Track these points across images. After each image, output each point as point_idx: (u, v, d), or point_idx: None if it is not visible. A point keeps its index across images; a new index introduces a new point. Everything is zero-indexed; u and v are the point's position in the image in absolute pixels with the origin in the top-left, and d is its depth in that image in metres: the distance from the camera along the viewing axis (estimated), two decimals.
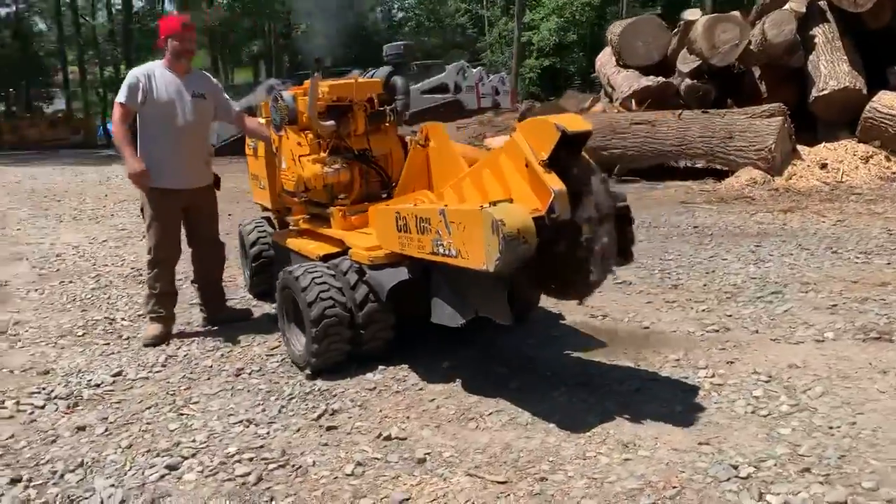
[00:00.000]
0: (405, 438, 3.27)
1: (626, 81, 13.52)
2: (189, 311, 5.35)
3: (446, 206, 3.52)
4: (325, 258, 4.24)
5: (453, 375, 3.93)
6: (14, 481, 3.06)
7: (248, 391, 3.91)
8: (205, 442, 3.34)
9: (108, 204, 11.72)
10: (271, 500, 2.84)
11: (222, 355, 4.49)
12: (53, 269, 7.17)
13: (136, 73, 4.63)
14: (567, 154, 3.19)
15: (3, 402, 3.90)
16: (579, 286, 3.28)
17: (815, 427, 3.16)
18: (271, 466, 3.08)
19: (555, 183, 3.12)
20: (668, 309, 4.90)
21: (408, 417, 3.48)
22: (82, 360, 4.51)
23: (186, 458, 3.19)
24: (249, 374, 4.16)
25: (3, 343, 4.93)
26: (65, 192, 13.49)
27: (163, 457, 3.21)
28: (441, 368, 4.04)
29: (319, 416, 3.53)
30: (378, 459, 3.10)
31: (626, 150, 11.05)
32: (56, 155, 25.07)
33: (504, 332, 4.18)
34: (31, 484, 3.05)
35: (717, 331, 4.43)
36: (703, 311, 4.82)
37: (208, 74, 5.02)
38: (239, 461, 3.14)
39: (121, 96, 4.57)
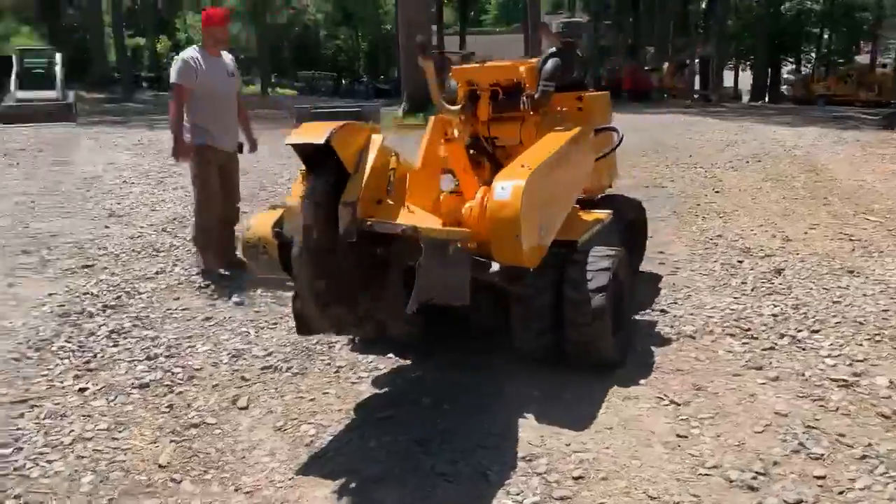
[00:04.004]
0: (244, 408, 3.61)
1: None
2: None
3: None
4: None
5: (396, 386, 3.84)
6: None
7: (270, 329, 4.57)
8: (147, 349, 4.30)
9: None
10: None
11: None
12: None
13: (184, 57, 5.35)
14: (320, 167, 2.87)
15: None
16: None
17: None
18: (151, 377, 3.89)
19: (291, 197, 2.89)
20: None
21: (281, 397, 3.71)
22: None
23: (110, 358, 4.19)
24: None
25: None
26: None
27: (111, 347, 4.33)
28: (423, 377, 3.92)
29: (265, 368, 4.02)
30: (183, 407, 3.59)
31: None
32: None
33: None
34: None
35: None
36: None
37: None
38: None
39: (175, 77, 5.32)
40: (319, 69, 41.93)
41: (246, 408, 3.59)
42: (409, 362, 4.09)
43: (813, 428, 3.26)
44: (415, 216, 3.06)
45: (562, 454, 3.11)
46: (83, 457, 3.13)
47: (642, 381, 3.76)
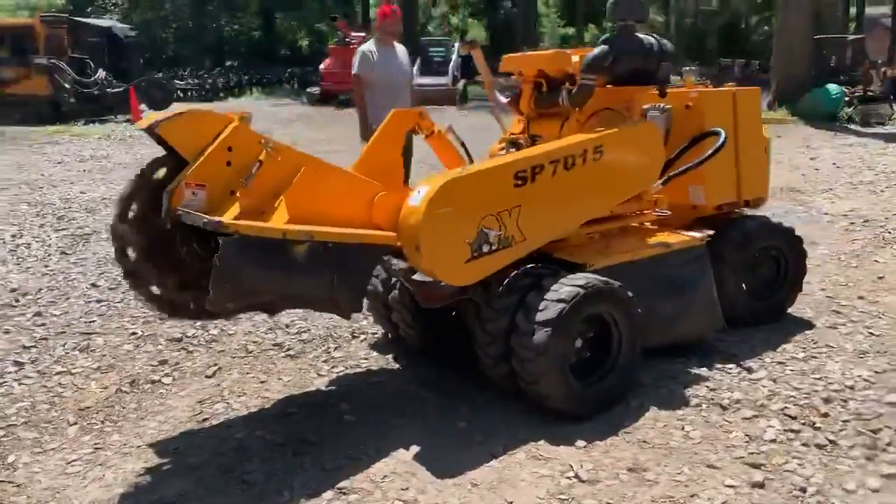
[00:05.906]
0: (209, 377, 3.84)
1: None
2: None
3: None
4: None
5: (345, 387, 3.72)
6: None
7: None
8: None
9: None
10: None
11: None
12: None
13: (363, 50, 5.96)
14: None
15: None
16: None
17: None
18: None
19: None
20: None
21: (245, 374, 3.86)
22: None
23: None
24: None
25: None
26: None
27: None
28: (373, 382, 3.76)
29: (275, 345, 4.21)
30: (172, 365, 3.95)
31: None
32: None
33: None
34: None
35: None
36: None
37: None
38: None
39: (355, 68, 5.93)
40: (748, 56, 39.43)
41: (211, 377, 3.81)
42: (398, 367, 3.88)
43: None
44: (267, 213, 2.93)
45: (379, 496, 2.73)
46: (45, 387, 3.68)
47: (580, 443, 3.03)
